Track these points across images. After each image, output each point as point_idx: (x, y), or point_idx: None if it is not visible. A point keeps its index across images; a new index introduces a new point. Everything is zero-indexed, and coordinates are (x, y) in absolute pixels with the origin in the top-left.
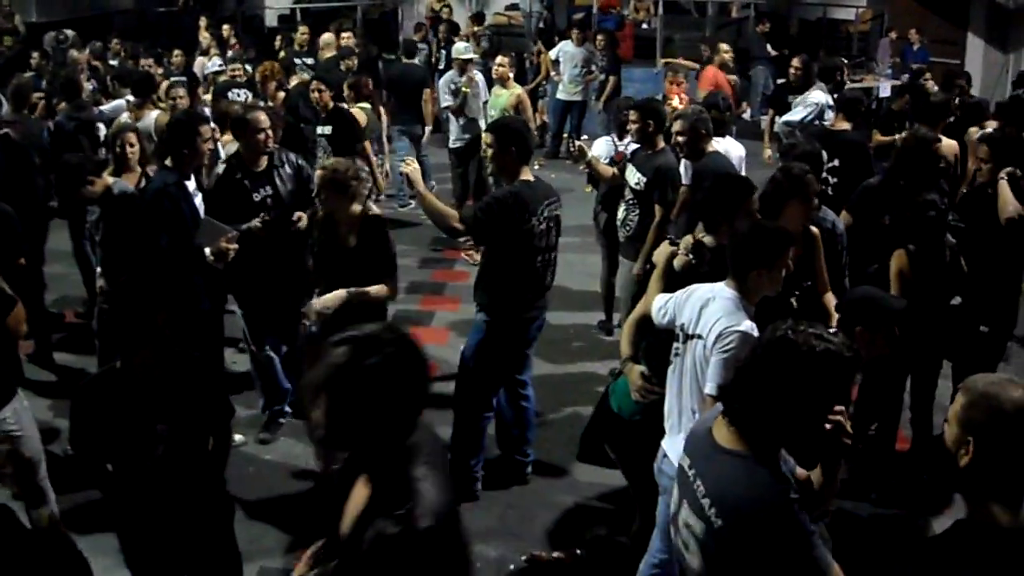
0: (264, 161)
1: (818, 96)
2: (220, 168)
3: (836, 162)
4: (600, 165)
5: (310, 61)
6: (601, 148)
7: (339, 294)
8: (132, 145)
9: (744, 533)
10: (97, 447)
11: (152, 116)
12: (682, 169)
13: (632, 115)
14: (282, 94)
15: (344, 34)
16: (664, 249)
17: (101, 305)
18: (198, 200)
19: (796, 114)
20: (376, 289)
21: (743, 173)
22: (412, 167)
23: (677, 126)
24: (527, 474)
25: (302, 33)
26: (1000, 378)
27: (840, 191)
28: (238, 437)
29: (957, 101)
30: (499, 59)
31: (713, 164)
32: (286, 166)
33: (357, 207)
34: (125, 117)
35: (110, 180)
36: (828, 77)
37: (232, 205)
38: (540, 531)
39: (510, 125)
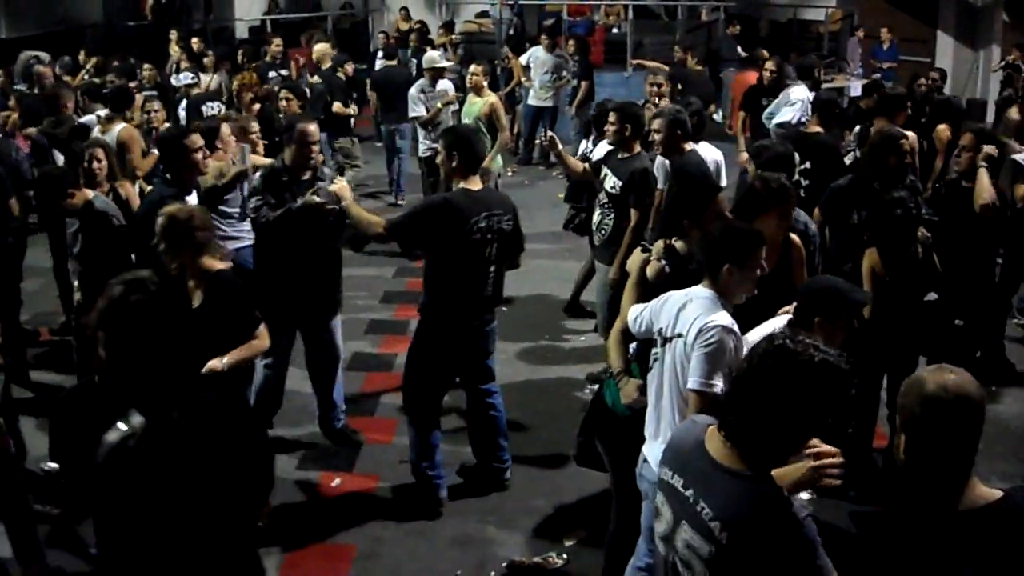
0: (309, 171)
1: (801, 92)
2: (256, 178)
3: (808, 164)
4: (569, 158)
5: (284, 72)
6: (583, 148)
7: (214, 364)
8: (100, 160)
9: (757, 552)
10: (77, 459)
11: (117, 128)
12: (657, 172)
13: (611, 117)
14: (257, 106)
15: (319, 45)
16: (636, 257)
17: (78, 320)
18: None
19: (785, 115)
20: (245, 351)
21: (723, 178)
22: (341, 185)
23: (655, 124)
24: (506, 480)
25: (276, 45)
26: (938, 367)
27: (812, 192)
28: None
29: (925, 96)
30: (472, 67)
31: (690, 162)
32: (325, 176)
33: (205, 260)
34: (96, 131)
35: (90, 194)
36: (807, 75)
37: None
38: (520, 537)
39: (456, 132)
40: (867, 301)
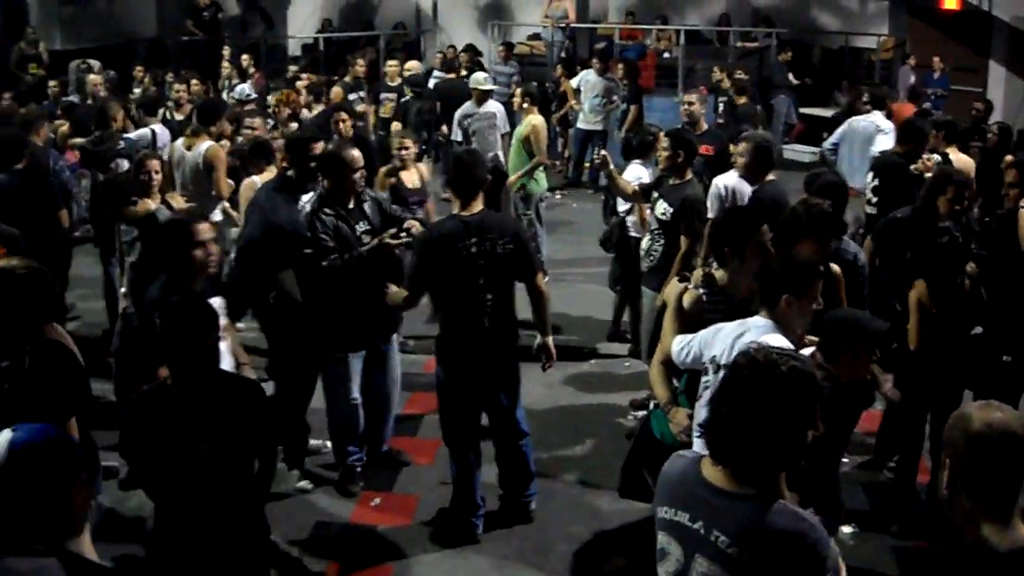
0: (353, 198)
1: (884, 121)
2: (304, 216)
3: (877, 181)
4: (619, 179)
5: (362, 93)
6: (632, 172)
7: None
8: (156, 172)
9: (780, 567)
10: (145, 458)
11: (204, 146)
12: (708, 201)
13: (664, 143)
14: (295, 124)
15: (391, 62)
16: (673, 287)
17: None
18: None
19: (882, 143)
20: None
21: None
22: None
23: (741, 147)
24: (531, 512)
25: (359, 66)
26: (985, 403)
27: (881, 209)
28: (304, 483)
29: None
30: (516, 91)
31: (772, 192)
32: (368, 200)
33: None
34: (179, 144)
35: (153, 205)
36: (880, 104)
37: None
38: (557, 563)
39: (453, 156)
40: (886, 329)
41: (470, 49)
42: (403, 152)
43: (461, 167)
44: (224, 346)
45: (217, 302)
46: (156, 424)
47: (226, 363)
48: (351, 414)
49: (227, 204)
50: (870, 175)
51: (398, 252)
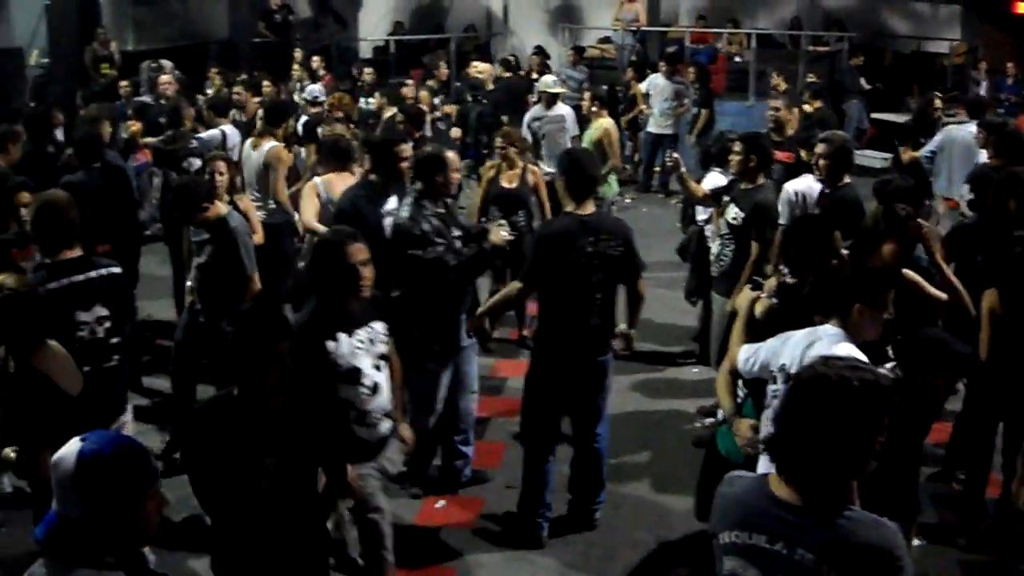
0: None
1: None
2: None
3: (972, 195)
4: (691, 183)
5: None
6: (711, 180)
7: None
8: (222, 174)
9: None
10: (208, 472)
11: (267, 147)
12: (781, 206)
13: (736, 147)
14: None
15: (481, 65)
16: (746, 295)
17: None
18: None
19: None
20: None
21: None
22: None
23: (821, 148)
24: (595, 520)
25: (443, 70)
26: None
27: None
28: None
29: None
30: (586, 95)
31: (846, 196)
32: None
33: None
34: (247, 145)
35: (224, 209)
36: (977, 112)
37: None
38: (621, 570)
39: (569, 155)
40: (970, 354)
41: (539, 52)
42: (504, 151)
43: (576, 167)
44: (383, 377)
45: (379, 327)
46: (219, 435)
47: (387, 393)
48: (428, 424)
49: (280, 204)
50: (966, 187)
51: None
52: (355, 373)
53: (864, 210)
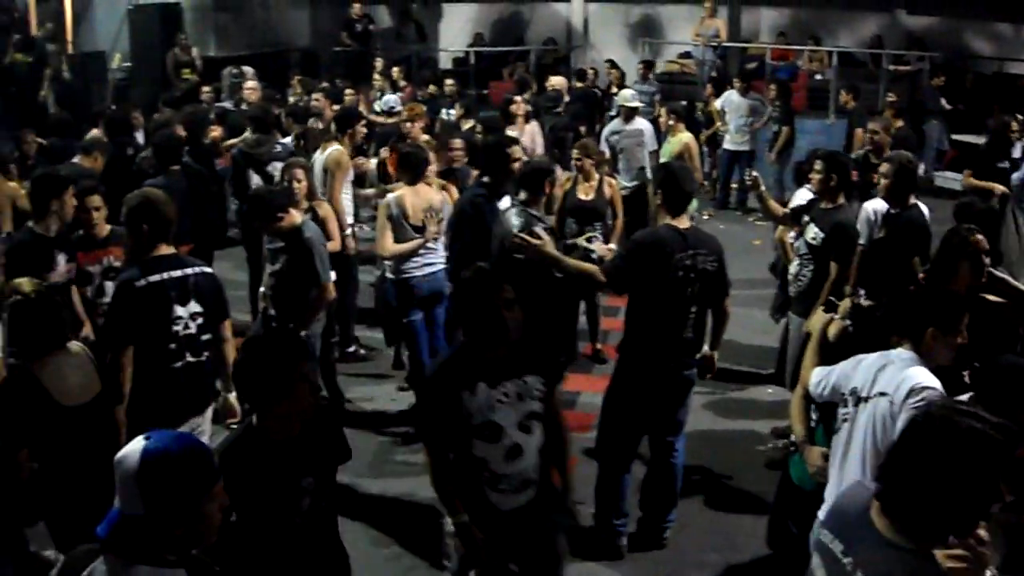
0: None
1: None
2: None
3: None
4: (770, 201)
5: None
6: (801, 197)
7: None
8: (299, 181)
9: None
10: (246, 504)
11: (329, 150)
12: (861, 226)
13: (817, 166)
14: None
15: (555, 78)
16: (818, 317)
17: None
18: None
19: None
20: None
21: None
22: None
23: (884, 168)
24: (664, 539)
25: (554, 84)
26: None
27: None
28: None
29: None
30: (661, 111)
31: (915, 217)
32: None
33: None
34: (317, 152)
35: (299, 219)
36: None
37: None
38: None
39: (665, 168)
40: None
41: (613, 65)
42: (581, 163)
43: (672, 180)
44: (530, 440)
45: (534, 381)
46: (256, 465)
47: (531, 459)
48: None
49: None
50: None
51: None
52: (492, 429)
53: (930, 232)
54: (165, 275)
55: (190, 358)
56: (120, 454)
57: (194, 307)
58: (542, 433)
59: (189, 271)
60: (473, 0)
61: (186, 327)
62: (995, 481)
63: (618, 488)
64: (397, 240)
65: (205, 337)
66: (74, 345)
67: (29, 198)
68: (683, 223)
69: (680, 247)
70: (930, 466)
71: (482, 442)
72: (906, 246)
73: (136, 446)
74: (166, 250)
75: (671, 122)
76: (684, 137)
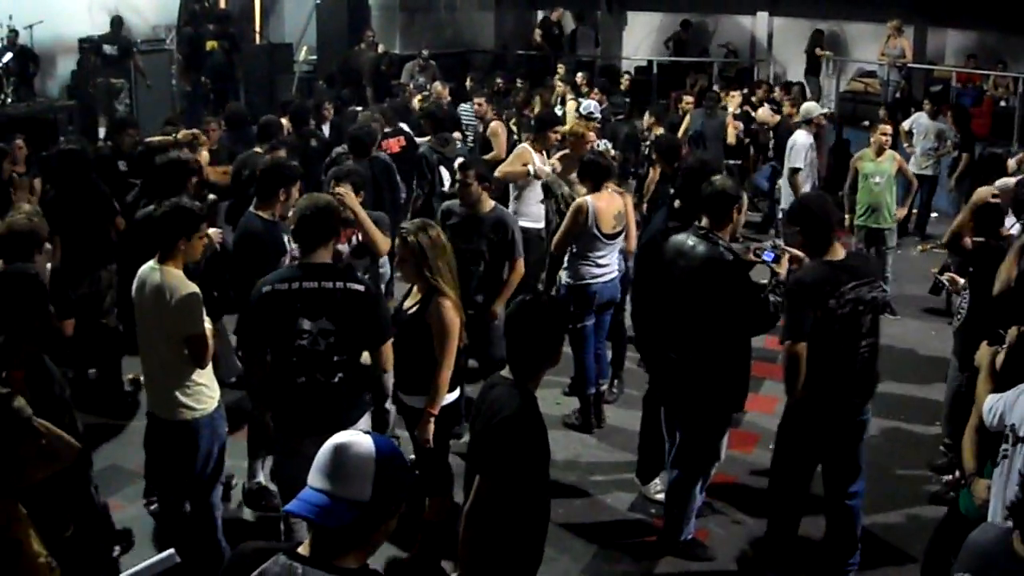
0: None
1: None
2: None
3: None
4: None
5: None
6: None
7: None
8: (469, 183)
9: None
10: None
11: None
12: None
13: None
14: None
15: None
16: (984, 351)
17: None
18: None
19: None
20: None
21: None
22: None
23: None
24: None
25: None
26: None
27: None
28: None
29: None
30: (881, 127)
31: None
32: None
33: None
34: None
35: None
36: None
37: None
38: None
39: (800, 205)
40: None
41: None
42: None
43: (807, 214)
44: None
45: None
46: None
47: None
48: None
49: None
50: None
51: None
52: None
53: None
54: (296, 284)
55: (313, 376)
56: (342, 440)
57: (325, 324)
58: None
59: (329, 284)
60: (657, 9)
61: (314, 343)
62: None
63: (781, 528)
64: (579, 246)
65: (338, 358)
66: None
67: (257, 185)
68: (837, 254)
69: (839, 280)
70: None
71: None
72: None
73: (357, 436)
74: (323, 256)
75: (883, 137)
76: (896, 153)
